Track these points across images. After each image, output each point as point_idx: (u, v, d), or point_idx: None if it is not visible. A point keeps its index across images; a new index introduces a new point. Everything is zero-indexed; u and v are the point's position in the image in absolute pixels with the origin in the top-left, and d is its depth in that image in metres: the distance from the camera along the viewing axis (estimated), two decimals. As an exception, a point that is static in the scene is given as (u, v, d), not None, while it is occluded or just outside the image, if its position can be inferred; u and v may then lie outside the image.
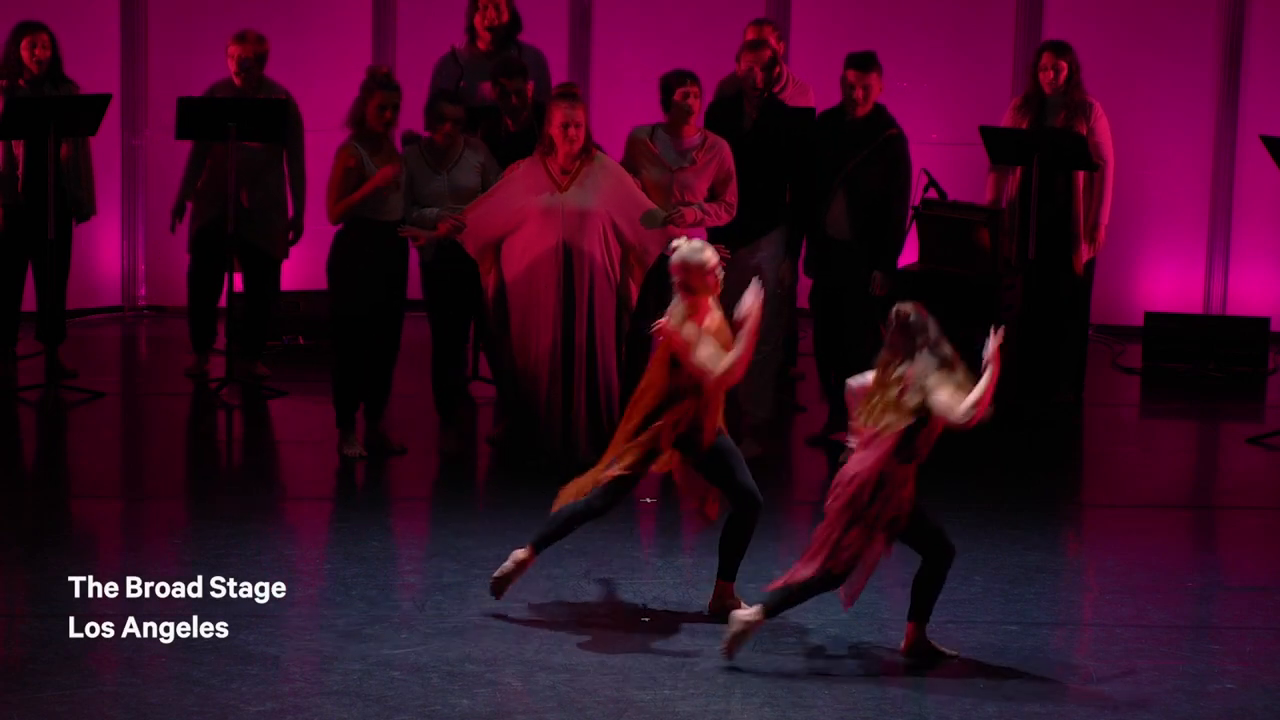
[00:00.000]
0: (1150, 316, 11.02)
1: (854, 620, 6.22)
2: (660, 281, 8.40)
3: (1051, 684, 5.71)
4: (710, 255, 6.15)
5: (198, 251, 10.07)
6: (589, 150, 8.08)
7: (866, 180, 8.50)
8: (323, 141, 9.81)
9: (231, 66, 9.90)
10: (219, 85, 10.05)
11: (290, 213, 10.00)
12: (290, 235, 10.03)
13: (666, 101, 8.22)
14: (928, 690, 5.62)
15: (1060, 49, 9.63)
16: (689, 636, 6.01)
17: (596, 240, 8.07)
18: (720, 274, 6.21)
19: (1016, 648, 6.00)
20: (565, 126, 7.94)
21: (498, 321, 8.18)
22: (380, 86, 8.32)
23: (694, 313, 6.13)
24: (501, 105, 8.64)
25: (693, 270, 6.13)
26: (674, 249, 6.20)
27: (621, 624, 6.16)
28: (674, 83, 8.24)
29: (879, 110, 8.66)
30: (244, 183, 9.77)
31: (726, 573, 6.23)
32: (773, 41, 9.25)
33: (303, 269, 10.91)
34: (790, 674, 5.74)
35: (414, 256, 8.38)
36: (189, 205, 10.05)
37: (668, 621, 6.16)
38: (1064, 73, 9.57)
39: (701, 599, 6.46)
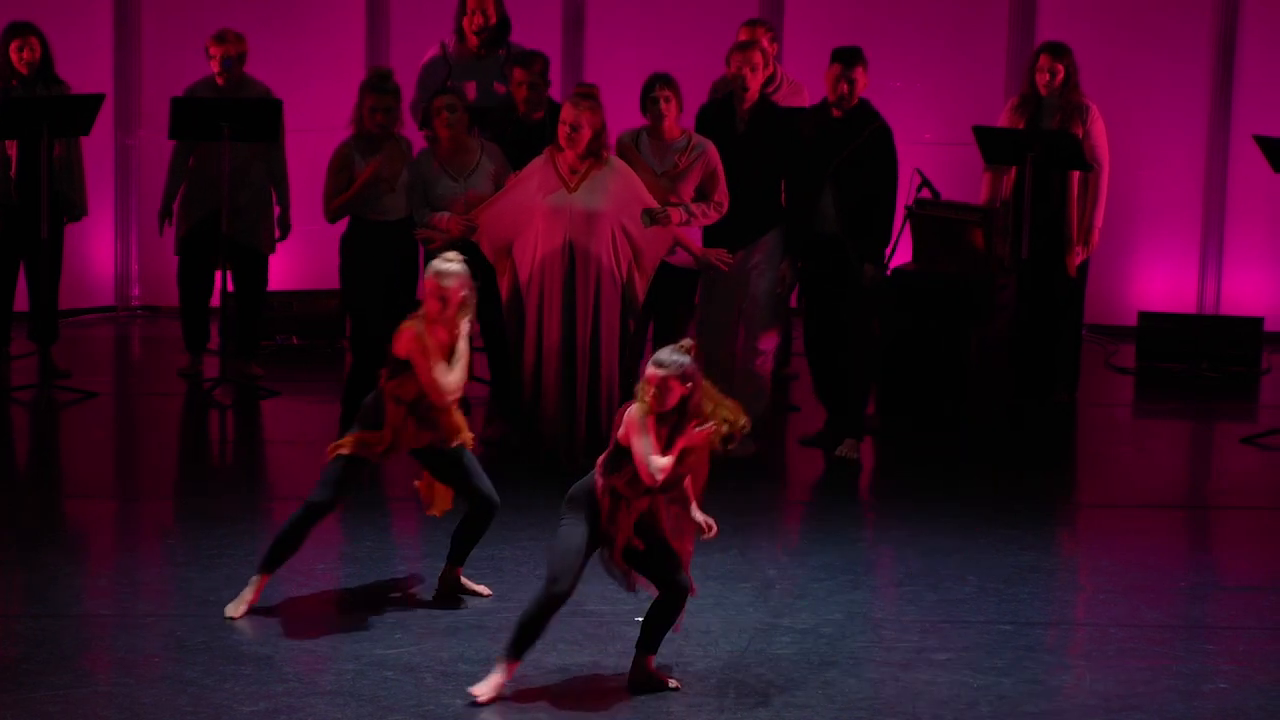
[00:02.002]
0: (1144, 316, 11.03)
1: (848, 621, 6.22)
2: (661, 283, 8.50)
3: (1045, 684, 5.71)
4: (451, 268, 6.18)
5: (186, 252, 10.08)
6: (597, 152, 8.07)
7: (854, 175, 8.49)
8: (318, 142, 9.82)
9: (214, 66, 9.91)
10: (199, 85, 10.06)
11: (276, 209, 10.04)
12: (278, 232, 10.05)
13: (643, 105, 8.25)
14: (922, 691, 5.61)
15: (1058, 51, 9.63)
16: (682, 637, 6.01)
17: (604, 242, 8.05)
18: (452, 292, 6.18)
19: (1010, 647, 6.00)
20: (567, 127, 7.95)
21: (513, 322, 8.18)
22: (372, 88, 8.34)
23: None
24: (517, 96, 8.66)
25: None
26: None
27: (615, 624, 6.16)
28: (647, 86, 8.26)
29: (863, 104, 8.64)
30: (231, 181, 9.79)
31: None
32: (765, 43, 9.25)
33: (296, 269, 10.91)
34: (785, 674, 5.74)
35: (421, 257, 8.40)
36: (175, 207, 10.08)
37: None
38: (1060, 75, 9.58)
39: (696, 599, 6.46)
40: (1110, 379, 10.76)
